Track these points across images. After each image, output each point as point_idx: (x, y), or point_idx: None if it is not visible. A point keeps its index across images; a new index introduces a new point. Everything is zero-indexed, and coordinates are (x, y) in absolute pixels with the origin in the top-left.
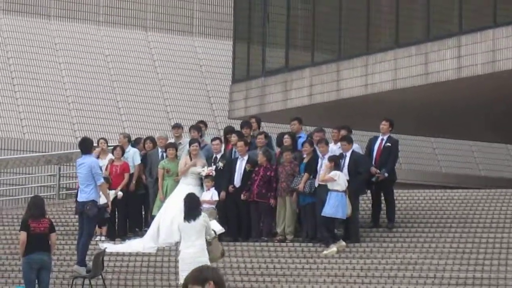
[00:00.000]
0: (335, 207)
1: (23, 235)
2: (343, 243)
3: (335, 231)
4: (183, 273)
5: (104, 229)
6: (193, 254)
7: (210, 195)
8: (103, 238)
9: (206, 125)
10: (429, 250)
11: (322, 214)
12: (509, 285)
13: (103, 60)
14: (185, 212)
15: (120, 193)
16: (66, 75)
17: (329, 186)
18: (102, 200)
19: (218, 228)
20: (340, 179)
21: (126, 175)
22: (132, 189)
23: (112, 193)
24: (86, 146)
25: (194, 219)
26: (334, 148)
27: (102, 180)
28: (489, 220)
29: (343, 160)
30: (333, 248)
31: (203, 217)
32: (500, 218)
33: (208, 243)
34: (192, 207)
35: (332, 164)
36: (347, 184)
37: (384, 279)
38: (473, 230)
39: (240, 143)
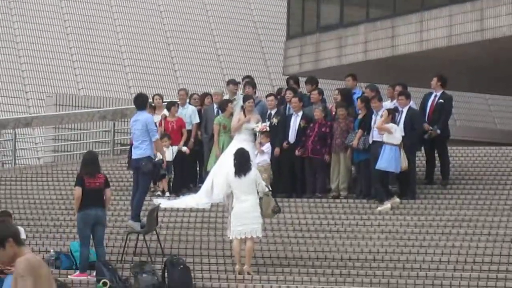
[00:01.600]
0: (388, 160)
1: (78, 191)
2: (397, 200)
3: (389, 187)
4: (237, 228)
5: (165, 183)
6: (246, 209)
7: (265, 148)
8: (160, 193)
9: (252, 79)
10: (484, 207)
11: (376, 167)
12: None
13: (158, 16)
14: (235, 167)
15: (185, 148)
16: (121, 31)
17: (384, 139)
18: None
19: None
20: (396, 132)
21: (184, 131)
22: (191, 147)
23: (174, 149)
24: (141, 102)
25: (245, 174)
26: (388, 105)
27: (157, 136)
28: None
29: (399, 115)
30: (387, 205)
31: (254, 171)
32: None
33: (260, 198)
34: (242, 162)
35: (390, 116)
36: (401, 139)
37: (438, 236)
38: None
39: (295, 99)
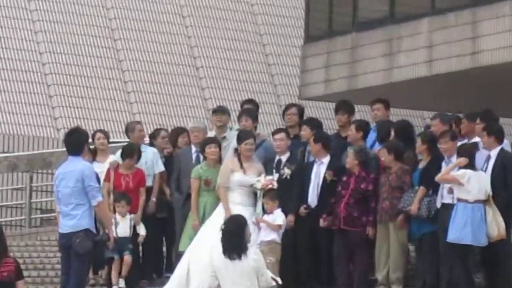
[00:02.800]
0: (461, 227)
1: None
2: None
3: (471, 276)
4: None
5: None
6: None
7: (272, 218)
8: None
9: (258, 107)
10: None
11: (447, 240)
12: None
13: (102, 6)
14: (224, 245)
15: (143, 231)
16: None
17: (456, 193)
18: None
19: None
20: (471, 183)
21: (142, 191)
22: (152, 212)
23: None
24: (75, 142)
25: (239, 257)
26: None
27: (100, 197)
28: None
29: (486, 163)
30: None
31: (253, 253)
32: None
33: None
34: (236, 236)
35: (464, 159)
36: (488, 192)
37: None
38: None
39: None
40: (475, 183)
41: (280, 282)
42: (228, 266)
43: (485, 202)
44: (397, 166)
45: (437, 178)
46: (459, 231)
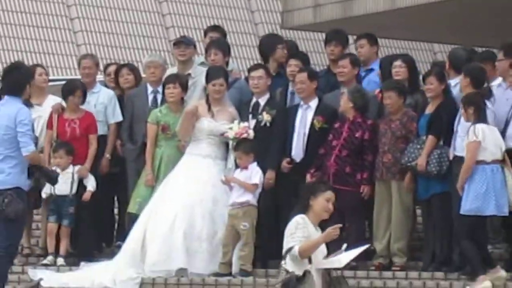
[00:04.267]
0: (481, 195)
1: None
2: (503, 273)
3: (487, 249)
4: None
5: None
6: None
7: (246, 175)
8: (48, 258)
9: (225, 36)
10: None
11: (461, 212)
12: None
13: None
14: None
15: (91, 186)
16: None
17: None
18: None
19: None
20: (486, 139)
21: (93, 139)
22: (105, 169)
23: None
24: (16, 79)
25: None
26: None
27: (33, 146)
28: None
29: (511, 111)
30: (486, 283)
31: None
32: None
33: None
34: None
35: (472, 110)
36: (503, 150)
37: None
38: None
39: (302, 76)
40: (491, 139)
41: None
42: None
43: (501, 162)
44: (402, 111)
45: (458, 186)
46: (480, 201)
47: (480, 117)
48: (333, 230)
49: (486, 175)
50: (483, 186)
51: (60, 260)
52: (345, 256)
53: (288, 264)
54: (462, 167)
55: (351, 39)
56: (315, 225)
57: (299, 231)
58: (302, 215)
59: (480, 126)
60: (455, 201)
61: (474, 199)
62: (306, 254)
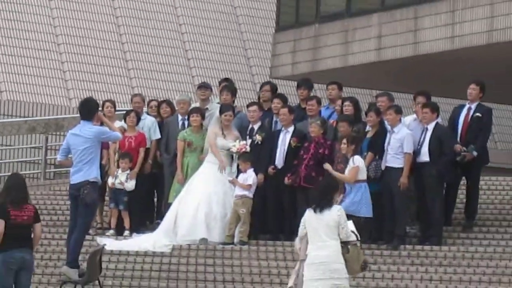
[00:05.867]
0: (356, 202)
1: (0, 225)
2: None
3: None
4: (312, 283)
5: (114, 217)
6: (326, 258)
7: (244, 178)
8: (110, 232)
9: (232, 83)
10: None
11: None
12: None
13: None
14: (315, 198)
15: (131, 184)
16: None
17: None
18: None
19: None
20: (361, 165)
21: (142, 151)
22: (149, 171)
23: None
24: (88, 109)
25: (327, 210)
26: (409, 121)
27: (119, 135)
28: None
29: (423, 134)
30: None
31: (338, 210)
32: None
33: (345, 249)
34: (325, 192)
35: (352, 146)
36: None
37: None
38: None
39: (284, 110)
40: (362, 165)
41: (359, 238)
42: (316, 218)
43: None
44: (350, 135)
45: (345, 179)
46: (356, 205)
47: (357, 152)
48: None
49: (361, 189)
50: (358, 195)
51: (126, 232)
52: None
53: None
54: (345, 184)
55: (316, 85)
56: None
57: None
58: (339, 206)
59: (357, 158)
60: (386, 198)
61: (351, 205)
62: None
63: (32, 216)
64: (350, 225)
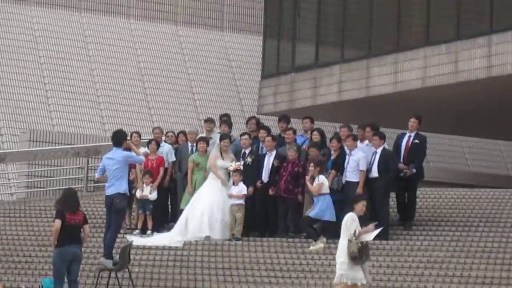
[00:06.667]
0: (322, 210)
1: (57, 223)
2: (324, 239)
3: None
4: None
5: (140, 221)
6: (337, 254)
7: (238, 190)
8: (136, 231)
9: (229, 117)
10: (456, 248)
11: (309, 214)
12: None
13: (133, 54)
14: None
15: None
16: (96, 68)
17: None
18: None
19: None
20: (326, 182)
21: (162, 170)
22: (167, 185)
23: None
24: (119, 138)
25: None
26: (361, 146)
27: (143, 158)
28: None
29: (373, 156)
30: (320, 244)
31: (348, 214)
32: None
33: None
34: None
35: (317, 168)
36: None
37: (410, 277)
38: (501, 230)
39: (268, 139)
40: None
41: (355, 235)
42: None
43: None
44: (318, 158)
45: (313, 191)
46: (321, 212)
47: (322, 172)
48: (372, 226)
49: (326, 200)
50: (323, 204)
51: (149, 232)
52: (373, 234)
53: (353, 240)
54: (314, 196)
55: (292, 120)
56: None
57: (354, 222)
58: (352, 213)
59: (321, 176)
60: (345, 203)
61: (317, 212)
62: (359, 235)
63: (82, 219)
64: (373, 235)
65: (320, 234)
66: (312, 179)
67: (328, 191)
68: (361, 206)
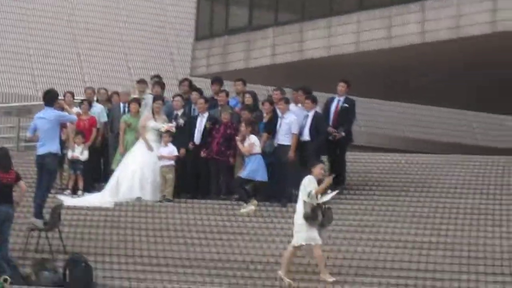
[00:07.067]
0: (253, 170)
1: None
2: (255, 201)
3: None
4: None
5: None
6: (295, 216)
7: (168, 151)
8: (67, 191)
9: (161, 78)
10: (387, 213)
11: (243, 176)
12: (464, 250)
13: (67, 13)
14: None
15: (84, 155)
16: (28, 27)
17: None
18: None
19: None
20: (257, 142)
21: (94, 130)
22: (99, 145)
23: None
24: (50, 97)
25: None
26: (295, 109)
27: (75, 117)
28: (447, 185)
29: (305, 120)
30: (251, 207)
31: (306, 178)
32: (458, 184)
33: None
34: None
35: (249, 128)
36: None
37: (340, 241)
38: (431, 195)
39: (201, 101)
40: (258, 142)
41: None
42: None
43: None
44: (251, 121)
45: (244, 151)
46: (253, 172)
47: (253, 132)
48: (330, 179)
49: (257, 160)
50: (254, 164)
51: (79, 192)
52: (329, 195)
53: (308, 200)
54: (245, 157)
55: (225, 82)
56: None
57: (312, 184)
58: (310, 176)
59: (252, 136)
60: (278, 167)
61: (249, 172)
62: (317, 194)
63: (14, 178)
64: (329, 196)
65: (252, 195)
66: (243, 139)
67: (259, 151)
68: (318, 169)
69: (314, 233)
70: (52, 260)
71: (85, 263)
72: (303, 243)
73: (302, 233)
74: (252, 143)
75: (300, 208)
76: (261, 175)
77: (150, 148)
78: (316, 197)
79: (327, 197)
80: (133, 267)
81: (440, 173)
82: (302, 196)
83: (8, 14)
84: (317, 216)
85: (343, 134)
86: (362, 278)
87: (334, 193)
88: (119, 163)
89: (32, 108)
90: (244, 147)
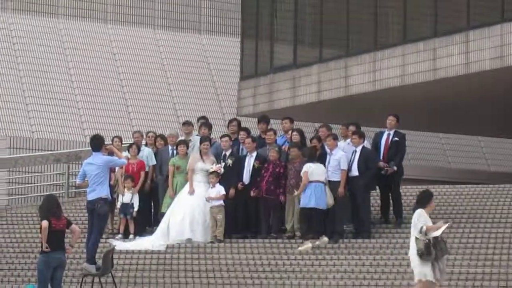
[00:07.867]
0: (308, 196)
1: (45, 223)
2: (325, 239)
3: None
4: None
5: (122, 225)
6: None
7: (216, 191)
8: (119, 235)
9: (208, 120)
10: None
11: (299, 206)
12: None
13: (112, 58)
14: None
15: (135, 205)
16: (74, 73)
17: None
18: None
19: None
20: (315, 170)
21: (143, 174)
22: (148, 189)
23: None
24: (97, 143)
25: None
26: (343, 145)
27: (125, 161)
28: (498, 215)
29: (353, 155)
30: (309, 244)
31: (417, 211)
32: (509, 213)
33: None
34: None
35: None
36: (325, 176)
37: (393, 275)
38: (482, 226)
39: (248, 140)
40: (319, 169)
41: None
42: None
43: (323, 182)
44: (300, 158)
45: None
46: (307, 199)
47: (309, 161)
48: (446, 226)
49: (314, 188)
50: (309, 192)
51: (131, 236)
52: (441, 230)
53: (419, 236)
54: (302, 183)
55: (272, 121)
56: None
57: (422, 218)
58: (420, 210)
59: (308, 164)
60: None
61: (305, 199)
62: (427, 231)
63: (66, 223)
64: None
65: (322, 232)
66: (296, 177)
67: (317, 179)
68: (433, 205)
69: (427, 268)
70: None
71: None
72: (416, 278)
73: (416, 268)
74: (306, 171)
75: (412, 244)
76: (321, 203)
77: (191, 192)
78: (426, 233)
79: (439, 232)
80: None
81: (490, 203)
82: (413, 232)
83: (54, 61)
84: (431, 252)
85: (395, 168)
86: None
87: (446, 225)
88: (169, 206)
89: (81, 154)
90: (302, 175)
